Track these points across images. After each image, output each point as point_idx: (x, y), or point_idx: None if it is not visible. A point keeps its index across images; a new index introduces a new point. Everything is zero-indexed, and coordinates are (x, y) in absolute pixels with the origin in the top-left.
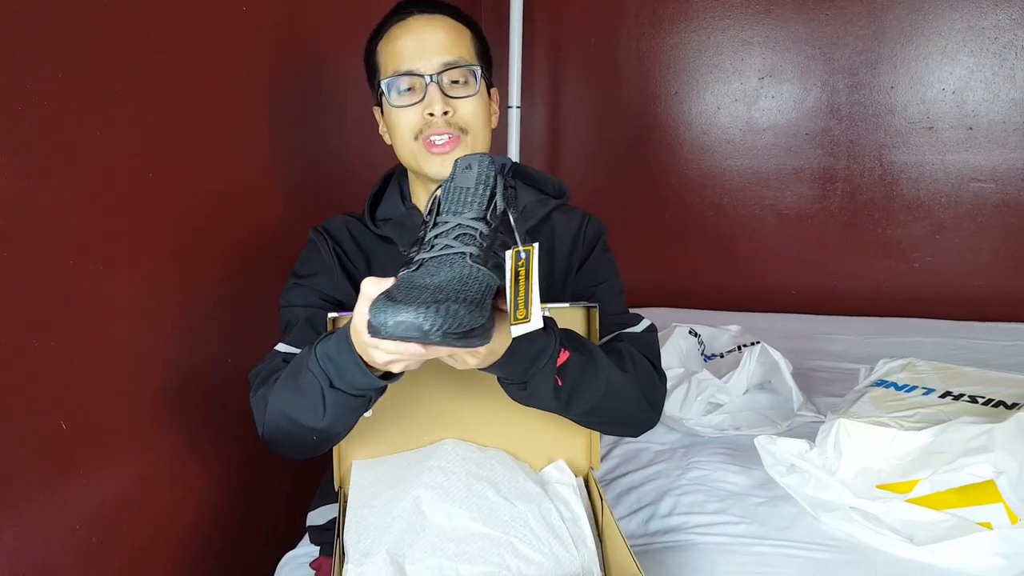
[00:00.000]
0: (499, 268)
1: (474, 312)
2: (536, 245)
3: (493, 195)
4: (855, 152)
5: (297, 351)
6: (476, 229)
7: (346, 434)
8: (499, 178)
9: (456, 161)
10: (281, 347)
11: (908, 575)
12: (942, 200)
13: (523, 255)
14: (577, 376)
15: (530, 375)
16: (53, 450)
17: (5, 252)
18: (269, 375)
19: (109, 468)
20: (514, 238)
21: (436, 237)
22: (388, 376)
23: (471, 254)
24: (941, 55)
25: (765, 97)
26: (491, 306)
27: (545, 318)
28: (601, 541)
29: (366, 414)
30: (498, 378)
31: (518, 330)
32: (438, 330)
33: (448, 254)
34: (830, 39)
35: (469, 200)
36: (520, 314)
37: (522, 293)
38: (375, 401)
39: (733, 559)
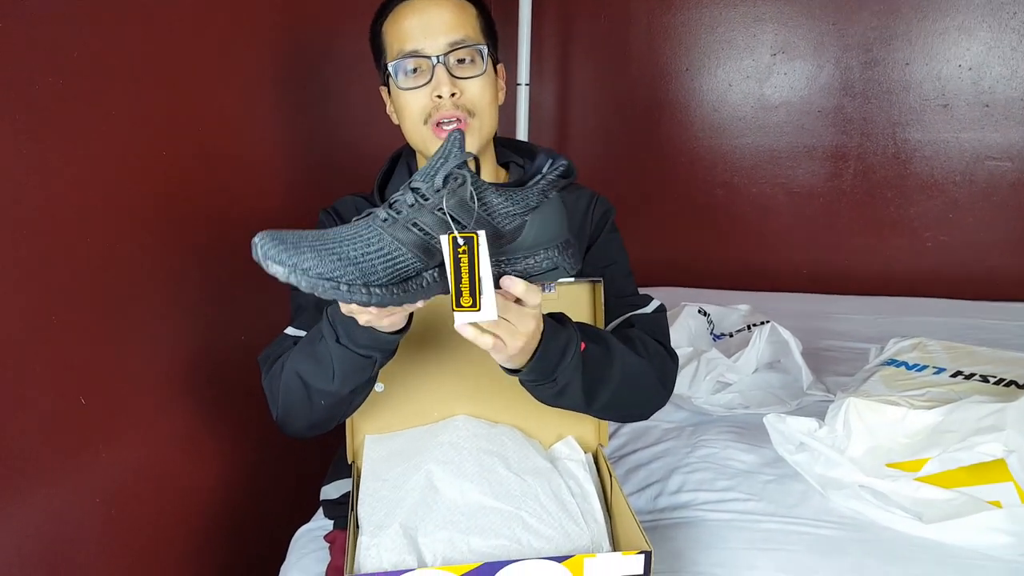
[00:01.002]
0: (424, 247)
1: (331, 264)
2: (482, 233)
3: (446, 176)
4: (868, 130)
5: (305, 334)
6: (403, 199)
7: (353, 408)
8: (459, 165)
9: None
10: (290, 330)
11: (916, 552)
12: (956, 178)
13: (461, 241)
14: (596, 365)
15: (560, 370)
16: (73, 424)
17: (27, 233)
18: (278, 358)
19: (127, 443)
20: (462, 226)
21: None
22: (394, 336)
23: (382, 218)
24: (958, 31)
25: (777, 74)
26: (380, 268)
27: (557, 313)
28: (610, 516)
29: (377, 388)
30: (523, 382)
31: (461, 317)
32: (291, 273)
33: (364, 216)
34: (844, 14)
35: (423, 173)
36: (465, 301)
37: (465, 280)
38: (380, 364)
39: (741, 535)
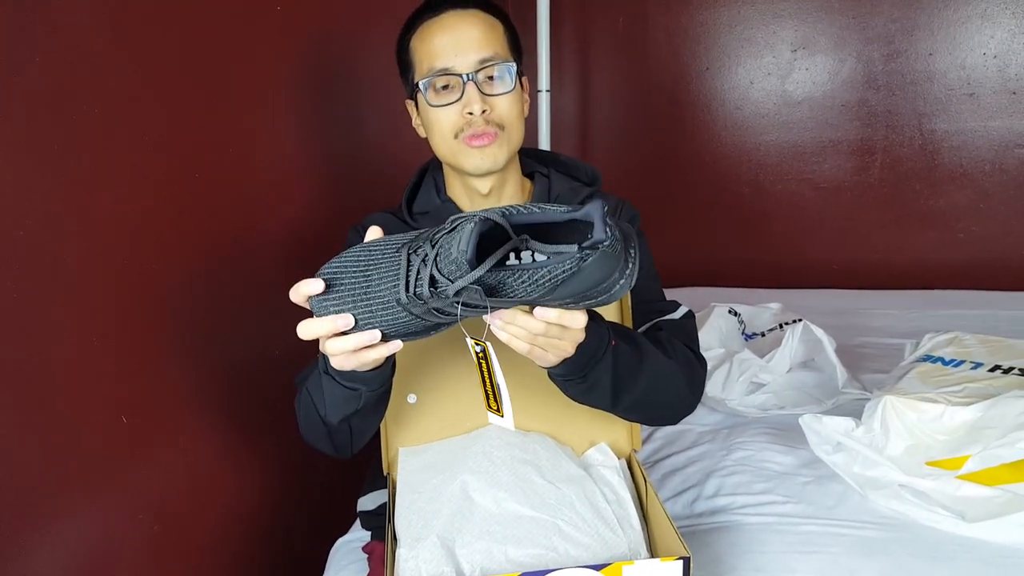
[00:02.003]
0: (437, 324)
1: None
2: (489, 345)
3: (459, 290)
4: (894, 122)
5: None
6: (423, 289)
7: (360, 436)
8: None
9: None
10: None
11: (960, 552)
12: (986, 168)
13: (478, 348)
14: (626, 365)
15: (591, 368)
16: (115, 443)
17: (67, 255)
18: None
19: (168, 460)
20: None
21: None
22: (373, 373)
23: (404, 300)
24: (981, 19)
25: (799, 70)
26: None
27: (592, 310)
28: (646, 522)
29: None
30: (552, 378)
31: (492, 418)
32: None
33: (396, 269)
34: (864, 7)
35: (445, 257)
36: (492, 405)
37: (490, 385)
38: (368, 399)
39: (781, 538)
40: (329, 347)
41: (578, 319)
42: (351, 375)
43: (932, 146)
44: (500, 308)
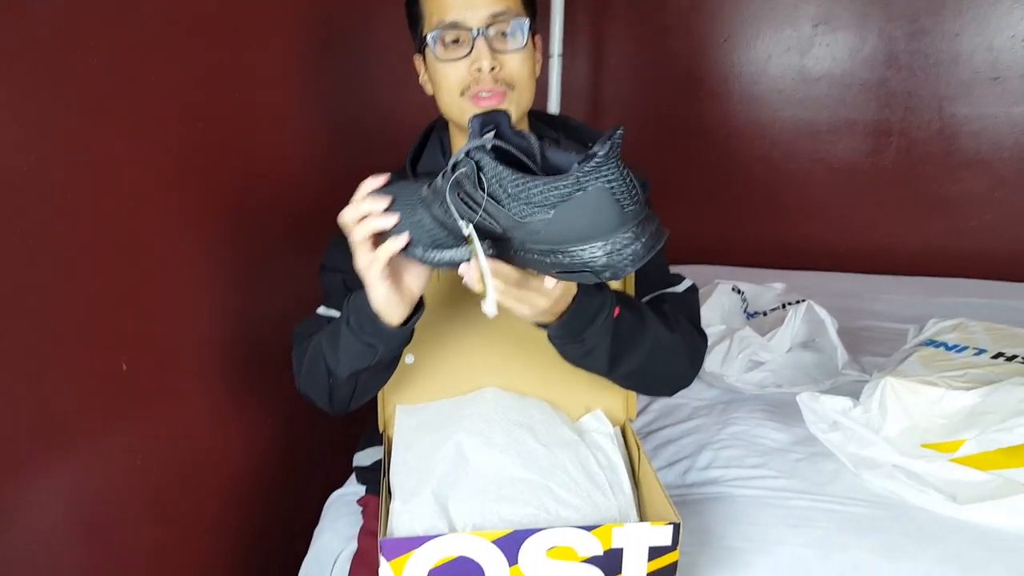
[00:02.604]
0: (451, 227)
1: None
2: (471, 227)
3: (454, 163)
4: (913, 104)
5: (337, 314)
6: (436, 179)
7: (361, 394)
8: (472, 151)
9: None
10: (322, 310)
11: (950, 532)
12: (1004, 155)
13: (467, 232)
14: (627, 333)
15: (589, 332)
16: (115, 389)
17: (70, 205)
18: (311, 335)
19: (166, 409)
20: (474, 212)
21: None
22: (397, 331)
23: (422, 195)
24: (1013, 0)
25: (819, 45)
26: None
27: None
28: (638, 489)
29: (408, 359)
30: (551, 339)
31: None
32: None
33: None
34: None
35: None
36: (481, 288)
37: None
38: (382, 357)
39: (771, 512)
40: (359, 234)
41: (548, 281)
42: (372, 331)
43: (951, 130)
44: (494, 213)
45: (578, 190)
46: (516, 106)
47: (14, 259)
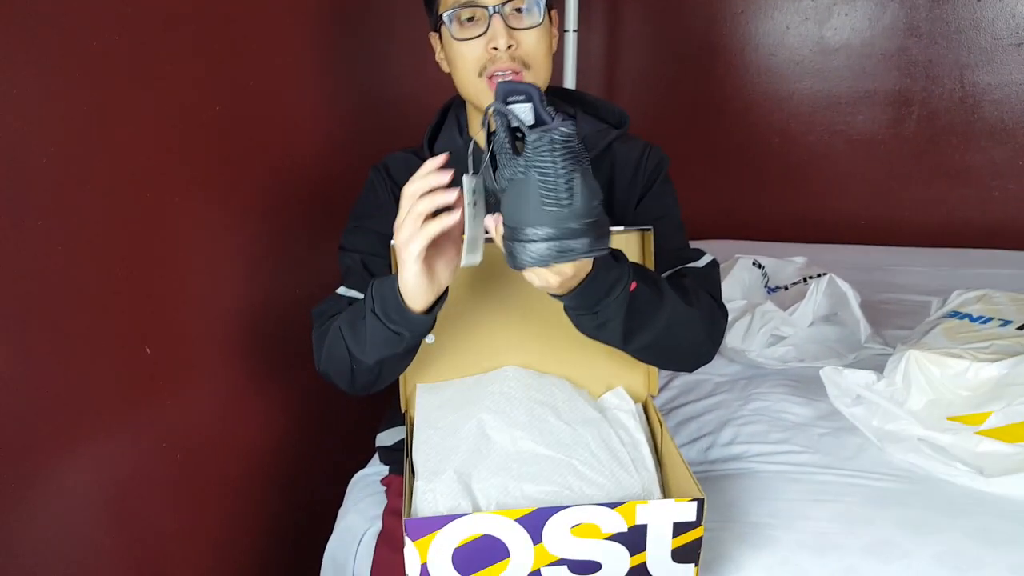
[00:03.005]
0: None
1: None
2: (465, 178)
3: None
4: (934, 73)
5: (358, 294)
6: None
7: (385, 379)
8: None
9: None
10: (342, 290)
11: (976, 506)
12: None
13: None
14: (643, 307)
15: (603, 305)
16: (139, 372)
17: (93, 190)
18: (332, 316)
19: (190, 391)
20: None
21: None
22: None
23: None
24: None
25: (838, 15)
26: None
27: (614, 249)
28: (661, 465)
29: (428, 339)
30: (566, 309)
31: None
32: None
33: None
34: None
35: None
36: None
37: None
38: (409, 343)
39: (795, 487)
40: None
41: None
42: (399, 318)
43: (973, 99)
44: (493, 177)
45: (522, 173)
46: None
47: (39, 245)
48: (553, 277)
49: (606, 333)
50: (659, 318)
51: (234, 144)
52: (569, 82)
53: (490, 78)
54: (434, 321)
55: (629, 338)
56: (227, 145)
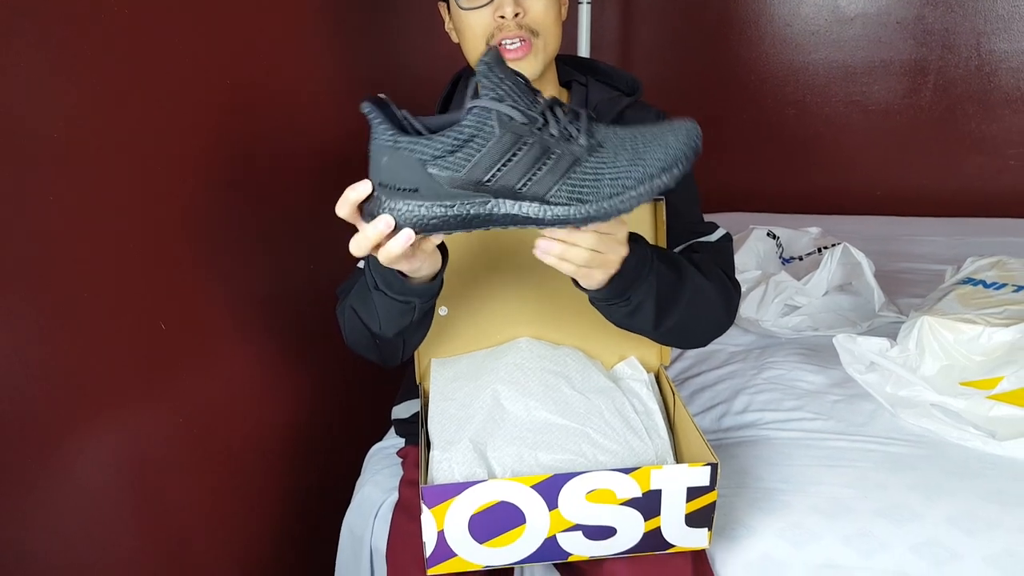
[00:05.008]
0: None
1: None
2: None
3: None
4: (950, 41)
5: None
6: None
7: (412, 346)
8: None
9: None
10: (363, 264)
11: (988, 469)
12: None
13: None
14: (668, 287)
15: (634, 290)
16: (155, 348)
17: (106, 167)
18: (352, 290)
19: (206, 367)
20: None
21: None
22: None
23: None
24: None
25: None
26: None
27: (631, 232)
28: (674, 433)
29: (441, 311)
30: (593, 300)
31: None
32: None
33: None
34: None
35: None
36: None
37: None
38: (421, 309)
39: (808, 452)
40: (382, 256)
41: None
42: (401, 288)
43: (989, 67)
44: None
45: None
46: (542, 52)
47: (52, 224)
48: (600, 273)
49: (638, 319)
50: (682, 296)
51: (251, 121)
52: (583, 53)
53: (499, 46)
54: (442, 283)
55: (660, 320)
56: (244, 122)
